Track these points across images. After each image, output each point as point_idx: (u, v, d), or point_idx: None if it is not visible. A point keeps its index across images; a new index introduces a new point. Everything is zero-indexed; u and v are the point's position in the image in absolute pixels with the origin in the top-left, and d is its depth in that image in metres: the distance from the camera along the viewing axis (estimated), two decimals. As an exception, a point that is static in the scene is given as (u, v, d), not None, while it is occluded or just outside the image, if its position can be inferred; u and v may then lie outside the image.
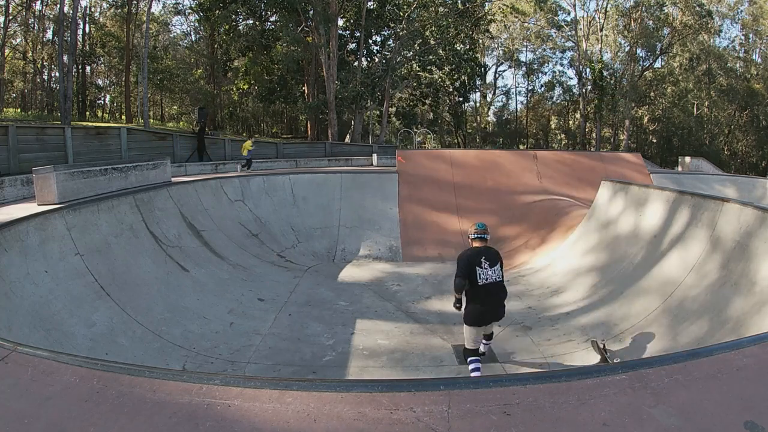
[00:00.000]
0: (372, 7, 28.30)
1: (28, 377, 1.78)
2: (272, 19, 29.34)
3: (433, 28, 29.45)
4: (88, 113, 30.05)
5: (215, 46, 31.63)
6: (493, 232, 9.26)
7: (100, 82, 34.54)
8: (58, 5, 23.00)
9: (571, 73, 42.15)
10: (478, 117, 45.92)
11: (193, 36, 37.42)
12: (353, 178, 10.88)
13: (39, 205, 5.79)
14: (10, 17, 25.71)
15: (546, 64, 43.08)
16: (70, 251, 4.83)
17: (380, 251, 9.22)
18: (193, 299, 5.68)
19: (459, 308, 3.92)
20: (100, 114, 33.44)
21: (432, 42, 30.06)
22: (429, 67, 32.90)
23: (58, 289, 4.28)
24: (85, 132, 12.66)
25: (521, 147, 42.18)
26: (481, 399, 1.60)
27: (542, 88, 44.66)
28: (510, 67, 44.99)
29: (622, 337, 4.62)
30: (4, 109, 23.76)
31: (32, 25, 28.46)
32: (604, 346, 4.31)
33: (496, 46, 42.67)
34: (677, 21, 34.79)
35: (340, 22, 28.50)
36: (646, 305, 4.87)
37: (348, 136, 30.14)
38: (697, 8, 33.54)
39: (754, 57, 38.36)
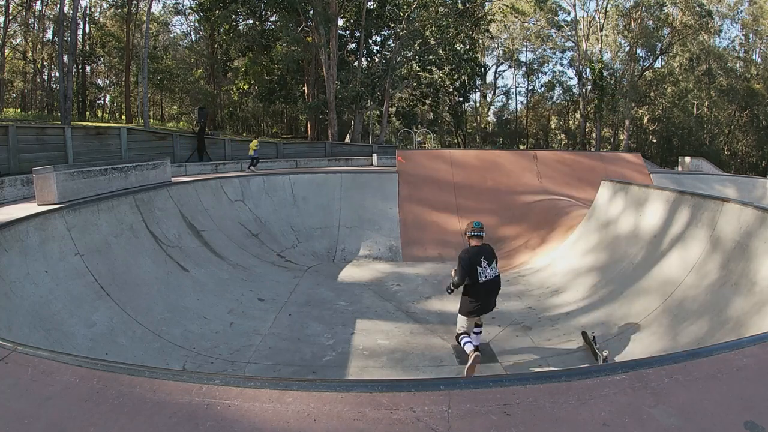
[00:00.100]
0: (372, 7, 28.30)
1: (28, 377, 1.78)
2: (272, 19, 29.34)
3: (433, 28, 29.45)
4: (88, 113, 30.06)
5: (215, 46, 31.63)
6: (493, 232, 9.30)
7: (100, 82, 34.56)
8: (58, 5, 23.00)
9: (571, 73, 42.19)
10: (478, 117, 45.93)
11: (193, 36, 37.45)
12: (353, 178, 10.88)
13: (39, 205, 5.79)
14: (10, 17, 25.72)
15: (546, 64, 43.11)
16: (70, 251, 4.83)
17: (380, 251, 9.21)
18: (193, 299, 5.68)
19: (451, 293, 4.34)
20: (100, 114, 33.45)
21: (432, 42, 30.06)
22: (429, 67, 32.90)
23: (58, 289, 4.28)
24: (85, 132, 12.66)
25: (521, 147, 42.18)
26: (481, 399, 1.60)
27: (542, 88, 44.70)
28: (510, 67, 45.01)
29: (622, 337, 4.62)
30: (4, 109, 23.76)
31: (32, 25, 28.46)
32: (594, 338, 4.46)
33: (496, 46, 42.68)
34: (677, 21, 34.79)
35: (340, 22, 28.51)
36: (646, 305, 4.87)
37: (348, 136, 30.14)
38: (697, 8, 33.54)
39: (754, 57, 38.39)
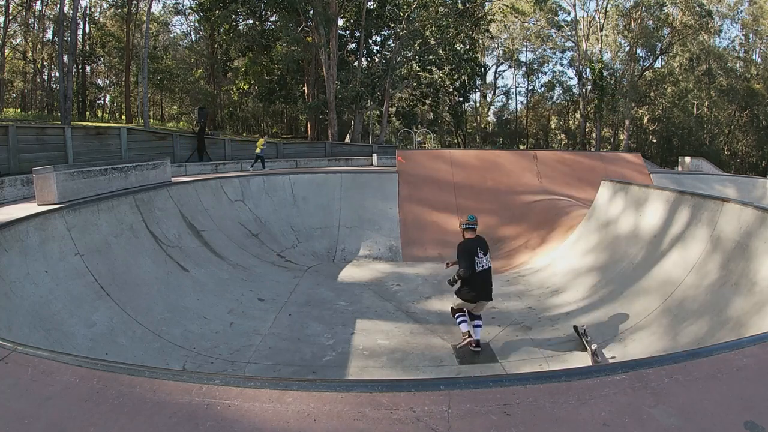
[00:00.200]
0: (372, 7, 28.30)
1: (28, 377, 1.78)
2: (272, 19, 29.34)
3: (433, 28, 29.44)
4: (88, 113, 30.05)
5: (215, 46, 31.63)
6: (493, 232, 9.31)
7: (100, 82, 34.56)
8: (58, 5, 23.00)
9: (571, 73, 42.20)
10: (478, 117, 45.92)
11: (193, 36, 37.45)
12: (353, 178, 10.88)
13: (39, 205, 5.79)
14: (10, 17, 25.72)
15: (546, 64, 43.12)
16: (70, 251, 4.83)
17: (380, 251, 9.21)
18: (193, 299, 5.68)
19: (452, 284, 4.59)
20: (100, 114, 33.45)
21: (432, 42, 30.05)
22: (429, 67, 32.89)
23: (58, 289, 4.28)
24: (85, 132, 12.66)
25: (521, 147, 42.18)
26: (481, 399, 1.60)
27: (542, 88, 44.70)
28: (510, 67, 45.02)
29: (622, 337, 4.62)
30: (4, 109, 23.76)
31: (32, 25, 28.46)
32: (584, 331, 4.58)
33: (496, 46, 42.69)
34: (677, 21, 34.80)
35: (340, 22, 28.51)
36: (646, 305, 4.87)
37: (348, 136, 30.15)
38: (697, 8, 33.54)
39: (754, 57, 38.38)
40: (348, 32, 30.94)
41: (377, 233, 9.65)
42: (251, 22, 29.59)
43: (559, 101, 44.65)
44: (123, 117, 29.93)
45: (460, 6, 30.30)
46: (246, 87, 31.73)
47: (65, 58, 20.02)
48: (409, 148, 24.95)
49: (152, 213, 6.83)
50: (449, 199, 10.58)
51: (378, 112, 32.83)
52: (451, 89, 36.96)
